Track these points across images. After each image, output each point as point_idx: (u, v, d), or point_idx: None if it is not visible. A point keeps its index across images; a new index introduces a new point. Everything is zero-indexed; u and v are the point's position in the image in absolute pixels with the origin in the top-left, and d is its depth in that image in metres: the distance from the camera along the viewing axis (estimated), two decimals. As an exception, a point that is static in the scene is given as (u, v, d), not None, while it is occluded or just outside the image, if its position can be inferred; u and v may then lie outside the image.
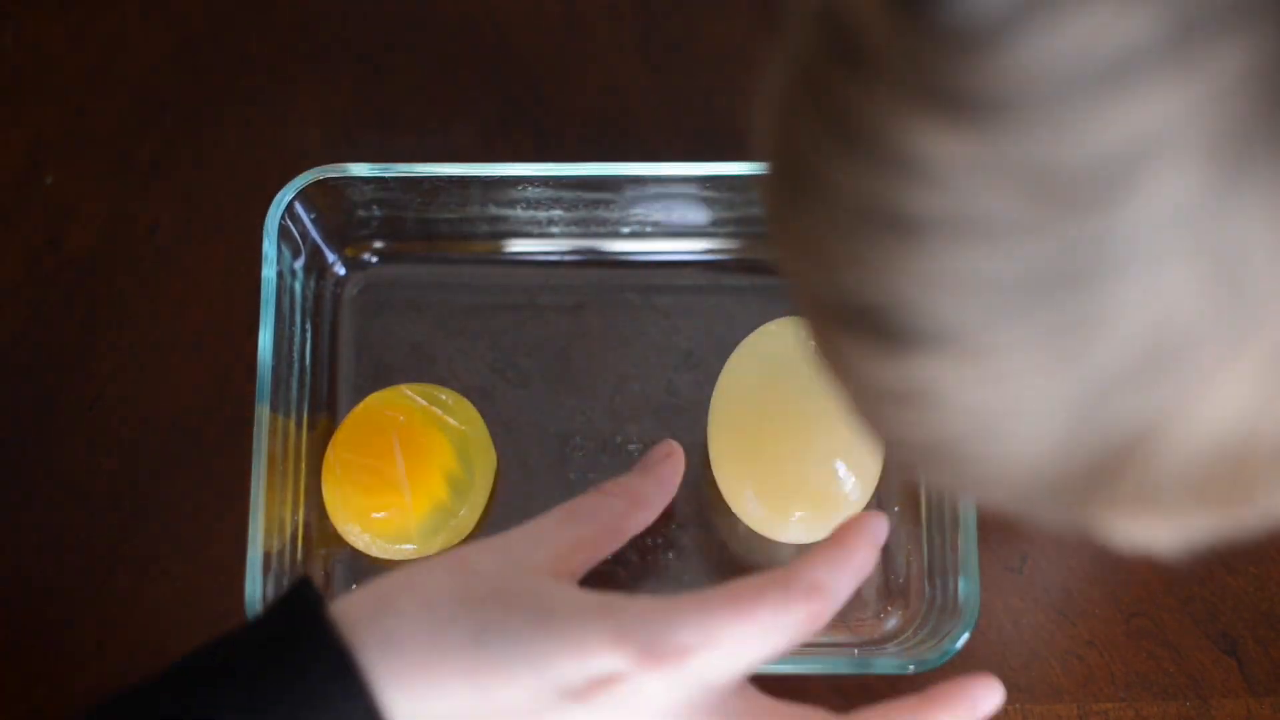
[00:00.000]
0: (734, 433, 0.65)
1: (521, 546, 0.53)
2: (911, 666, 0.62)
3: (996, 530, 0.68)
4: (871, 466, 0.65)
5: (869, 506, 0.66)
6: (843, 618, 0.66)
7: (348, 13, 0.69)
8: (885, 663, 0.62)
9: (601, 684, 0.48)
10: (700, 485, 0.68)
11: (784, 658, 0.59)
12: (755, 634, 0.49)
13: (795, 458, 0.64)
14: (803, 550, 0.65)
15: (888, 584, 0.67)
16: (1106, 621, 0.67)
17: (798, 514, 0.65)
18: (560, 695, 0.48)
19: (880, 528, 0.53)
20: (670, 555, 0.67)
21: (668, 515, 0.67)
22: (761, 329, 0.67)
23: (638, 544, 0.67)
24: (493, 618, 0.49)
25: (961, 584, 0.63)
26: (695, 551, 0.67)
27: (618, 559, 0.67)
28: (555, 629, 0.49)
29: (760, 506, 0.65)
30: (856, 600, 0.67)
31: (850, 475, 0.64)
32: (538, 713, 0.48)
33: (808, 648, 0.65)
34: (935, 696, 0.52)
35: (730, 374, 0.66)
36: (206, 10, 0.75)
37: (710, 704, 0.50)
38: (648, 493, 0.59)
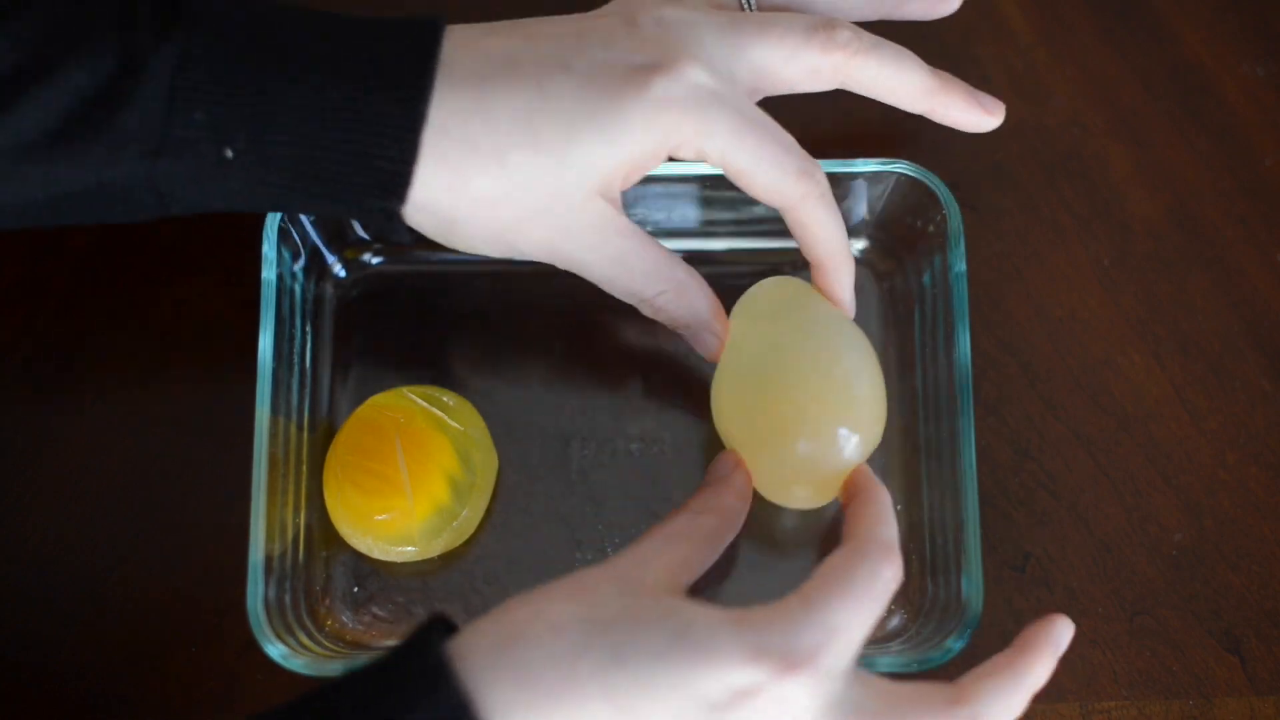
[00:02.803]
0: (736, 395, 0.64)
1: (631, 570, 0.54)
2: (915, 665, 0.62)
3: (999, 530, 0.68)
4: (872, 425, 0.64)
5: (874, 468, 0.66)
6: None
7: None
8: (888, 661, 0.62)
9: (744, 696, 0.50)
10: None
11: None
12: (861, 610, 0.52)
13: (796, 417, 0.63)
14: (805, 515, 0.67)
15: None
16: (1109, 620, 0.67)
17: (801, 494, 0.64)
18: (705, 710, 0.50)
19: (1064, 633, 0.58)
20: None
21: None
22: (753, 288, 0.66)
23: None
24: (626, 639, 0.50)
25: (964, 582, 0.63)
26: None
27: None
28: (691, 645, 0.50)
29: (764, 469, 0.65)
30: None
31: (852, 434, 0.63)
32: None
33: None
34: (1023, 645, 0.56)
35: (729, 353, 0.66)
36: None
37: (840, 694, 0.52)
38: (734, 506, 0.61)
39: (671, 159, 0.60)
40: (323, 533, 0.67)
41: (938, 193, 0.67)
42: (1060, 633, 0.57)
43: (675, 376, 0.69)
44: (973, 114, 0.64)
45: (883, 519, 0.57)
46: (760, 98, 0.62)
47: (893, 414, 0.69)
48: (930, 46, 0.74)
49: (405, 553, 0.65)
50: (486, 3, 0.66)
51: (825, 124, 0.74)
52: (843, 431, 0.63)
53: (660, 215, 0.70)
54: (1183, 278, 0.72)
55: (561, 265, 0.60)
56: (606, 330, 0.70)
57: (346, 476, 0.65)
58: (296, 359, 0.67)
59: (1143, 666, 0.67)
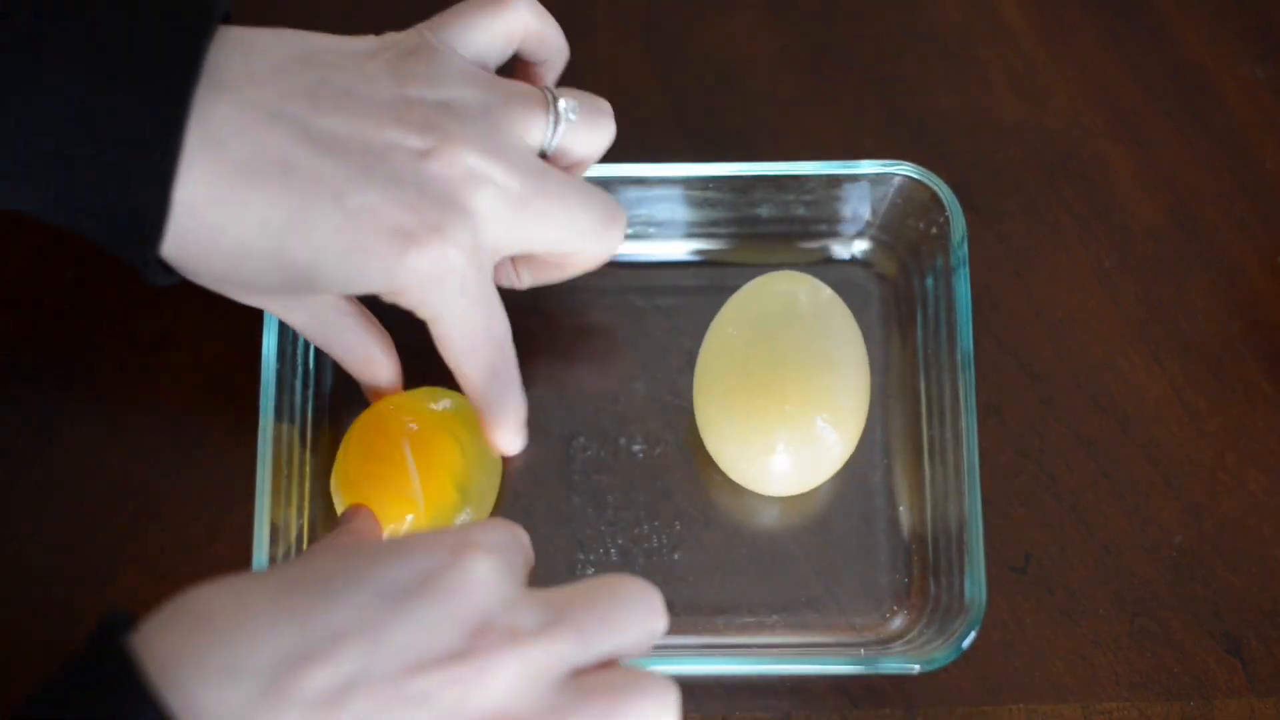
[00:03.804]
0: (717, 388, 0.66)
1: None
2: (917, 666, 0.62)
3: (1000, 531, 0.68)
4: (853, 418, 0.65)
5: (852, 459, 0.67)
6: (849, 618, 0.67)
7: (348, 13, 0.69)
8: (891, 662, 0.62)
9: (431, 576, 0.49)
10: (704, 485, 0.68)
11: (793, 658, 0.61)
12: (501, 528, 0.52)
13: (777, 409, 0.64)
14: (786, 503, 0.68)
15: (893, 584, 0.67)
16: (1110, 622, 0.68)
17: (779, 465, 0.65)
18: (395, 597, 0.49)
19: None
20: (677, 556, 0.67)
21: (673, 514, 0.68)
22: (745, 287, 0.67)
23: (644, 545, 0.67)
24: (299, 569, 0.50)
25: (967, 583, 0.63)
26: (701, 550, 0.67)
27: (624, 560, 0.67)
28: (368, 554, 0.50)
29: (743, 458, 0.65)
30: (862, 600, 0.67)
31: (831, 430, 0.64)
32: (375, 621, 0.48)
33: (814, 647, 0.66)
34: None
35: (715, 330, 0.67)
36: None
37: (516, 578, 0.51)
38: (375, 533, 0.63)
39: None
40: (325, 532, 0.67)
41: (940, 194, 0.67)
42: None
43: (677, 377, 0.69)
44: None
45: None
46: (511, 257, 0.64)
47: (894, 415, 0.69)
48: (931, 48, 0.75)
49: None
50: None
51: (828, 126, 0.74)
52: (821, 420, 0.64)
53: (662, 215, 0.70)
54: (1183, 279, 0.72)
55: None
56: (608, 331, 0.70)
57: (358, 486, 0.64)
58: (299, 360, 0.67)
59: (1143, 668, 0.67)
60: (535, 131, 0.61)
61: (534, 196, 0.59)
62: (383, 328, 0.65)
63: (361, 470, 0.64)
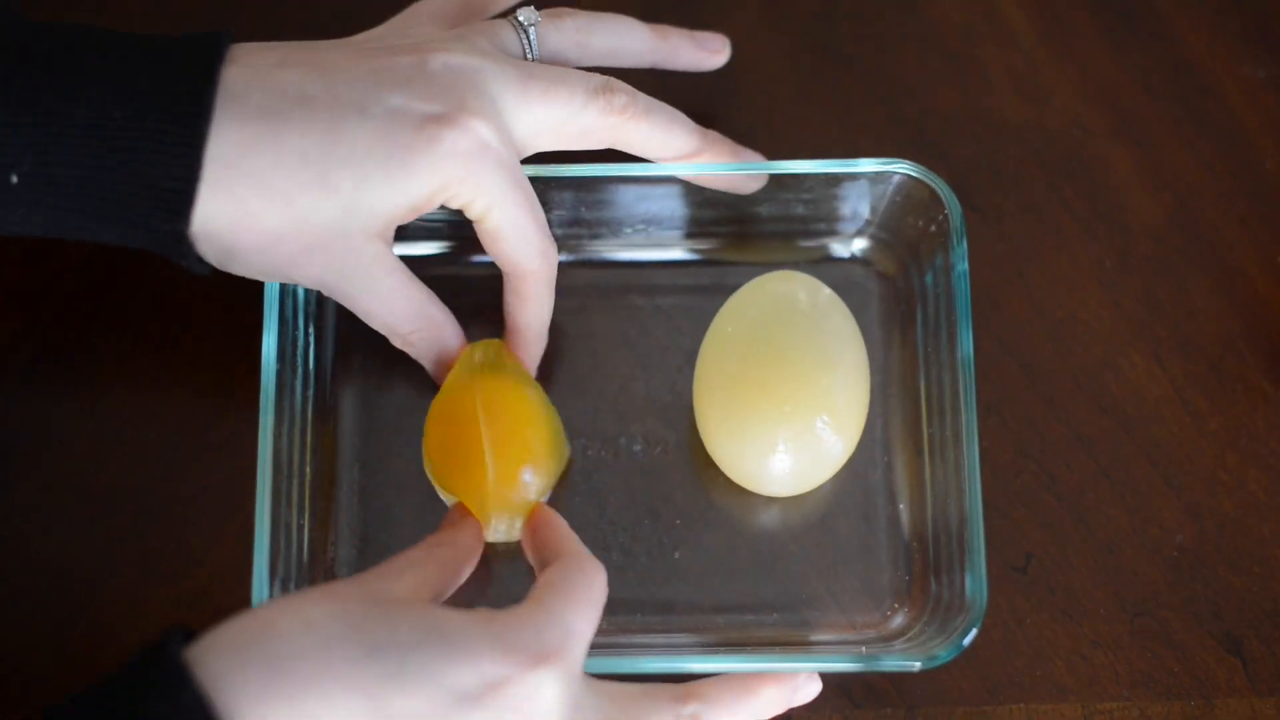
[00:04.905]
0: (717, 387, 0.66)
1: (377, 582, 0.55)
2: (918, 664, 0.62)
3: (1001, 530, 0.68)
4: (852, 418, 0.65)
5: (852, 458, 0.67)
6: (849, 616, 0.67)
7: (350, 13, 0.69)
8: (892, 660, 0.62)
9: (495, 686, 0.51)
10: (704, 484, 0.68)
11: (792, 656, 0.61)
12: (588, 613, 0.55)
13: (776, 409, 0.64)
14: (787, 502, 0.68)
15: (894, 582, 0.67)
16: (1110, 621, 0.68)
17: (778, 465, 0.65)
18: (457, 701, 0.50)
19: (807, 686, 0.63)
20: (677, 555, 0.67)
21: (673, 513, 0.68)
22: (744, 286, 0.67)
23: (646, 544, 0.67)
24: (379, 633, 0.51)
25: (968, 580, 0.63)
26: (701, 549, 0.67)
27: (625, 559, 0.67)
28: (442, 639, 0.51)
29: (742, 458, 0.65)
30: (863, 599, 0.67)
31: (830, 430, 0.64)
32: None
33: (815, 645, 0.66)
34: (764, 675, 0.62)
35: (714, 330, 0.67)
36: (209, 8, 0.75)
37: (580, 695, 0.55)
38: (467, 543, 0.62)
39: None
40: (325, 532, 0.67)
41: (939, 192, 0.67)
42: (804, 684, 0.62)
43: (677, 377, 0.69)
44: (736, 181, 0.68)
45: (571, 536, 0.61)
46: (530, 154, 0.64)
47: (894, 413, 0.69)
48: (932, 48, 0.75)
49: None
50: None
51: (828, 126, 0.74)
52: (821, 421, 0.64)
53: (662, 214, 0.70)
54: (1183, 279, 0.72)
55: (329, 295, 0.62)
56: (608, 330, 0.70)
57: (442, 478, 0.65)
58: (300, 360, 0.67)
59: (1144, 667, 0.67)
60: (510, 46, 0.64)
61: (530, 78, 0.62)
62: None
63: (444, 465, 0.64)
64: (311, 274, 0.61)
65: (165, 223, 0.58)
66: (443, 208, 0.62)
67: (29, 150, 0.56)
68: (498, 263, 0.64)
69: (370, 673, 0.49)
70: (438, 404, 0.65)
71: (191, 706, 0.48)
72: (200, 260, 0.60)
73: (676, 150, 0.66)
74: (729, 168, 0.67)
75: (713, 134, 0.67)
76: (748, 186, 0.68)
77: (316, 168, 0.58)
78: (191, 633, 0.51)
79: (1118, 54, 0.75)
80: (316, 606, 0.51)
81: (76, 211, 0.58)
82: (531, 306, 0.65)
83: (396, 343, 0.65)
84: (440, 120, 0.59)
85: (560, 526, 0.61)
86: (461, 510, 0.63)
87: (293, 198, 0.58)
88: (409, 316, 0.63)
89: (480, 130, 0.60)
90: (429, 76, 0.60)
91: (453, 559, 0.60)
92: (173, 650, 0.49)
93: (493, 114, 0.61)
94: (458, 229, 0.70)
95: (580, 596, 0.55)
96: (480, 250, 0.64)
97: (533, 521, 0.62)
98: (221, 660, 0.49)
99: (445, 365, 0.65)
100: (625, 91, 0.64)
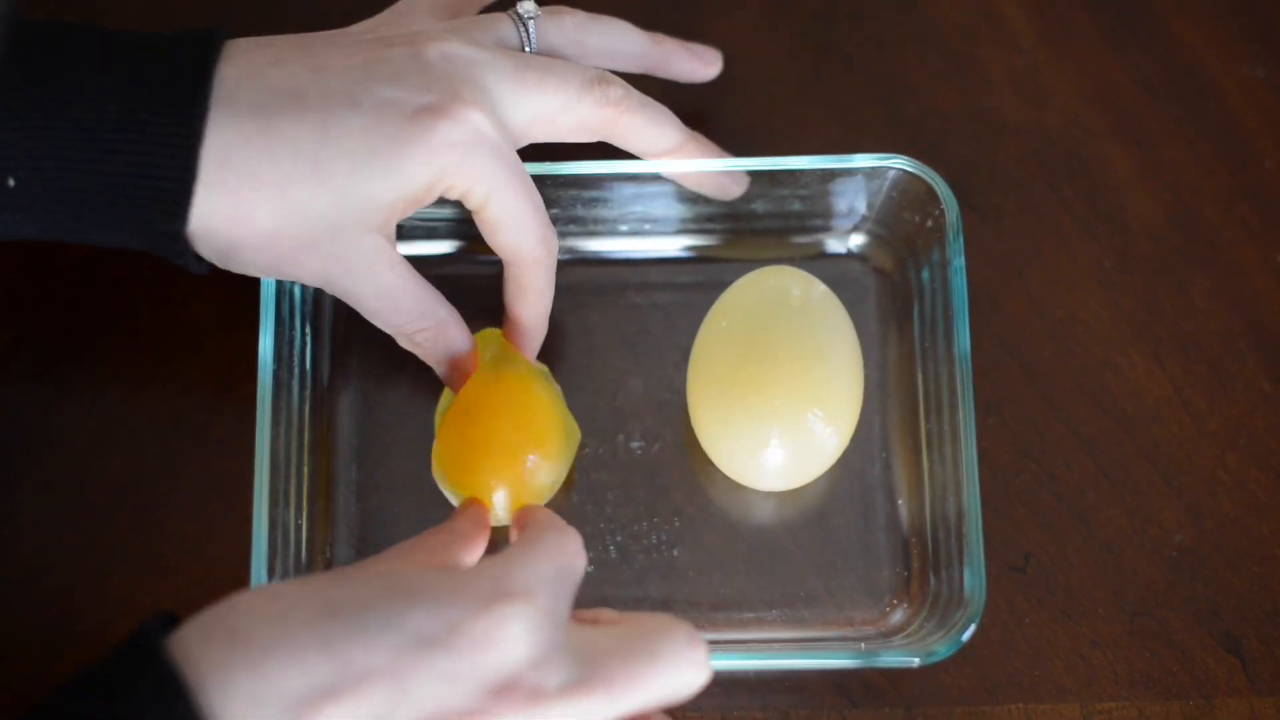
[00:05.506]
0: (710, 383, 0.66)
1: (358, 565, 0.56)
2: (917, 660, 0.62)
3: (1000, 530, 0.68)
4: (845, 413, 0.65)
5: (850, 454, 0.67)
6: (848, 613, 0.66)
7: (349, 13, 0.69)
8: (891, 656, 0.62)
9: (456, 626, 0.50)
10: (702, 481, 0.68)
11: (791, 652, 0.61)
12: (558, 562, 0.54)
13: (767, 403, 0.64)
14: (785, 498, 0.68)
15: (892, 578, 0.67)
16: (1110, 621, 0.67)
17: (771, 460, 0.65)
18: (419, 646, 0.49)
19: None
20: (675, 552, 0.67)
21: (671, 511, 0.68)
22: (738, 282, 0.67)
23: (643, 542, 0.67)
24: (340, 594, 0.51)
25: (967, 576, 0.63)
26: (700, 547, 0.67)
27: (623, 557, 0.67)
28: (404, 592, 0.51)
29: (736, 453, 0.65)
30: (862, 595, 0.67)
31: (823, 424, 0.64)
32: (402, 668, 0.49)
33: (813, 642, 0.66)
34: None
35: (707, 325, 0.67)
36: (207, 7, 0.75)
37: (559, 639, 0.52)
38: (464, 528, 0.61)
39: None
40: (324, 534, 0.67)
41: (936, 188, 0.67)
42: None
43: (674, 374, 0.69)
44: (722, 183, 0.68)
45: (549, 512, 0.60)
46: (525, 145, 0.64)
47: (892, 410, 0.69)
48: (931, 48, 0.75)
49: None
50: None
51: (827, 126, 0.74)
52: (813, 415, 0.64)
53: (657, 211, 0.70)
54: (1183, 279, 0.72)
55: (332, 293, 0.62)
56: (607, 328, 0.70)
57: (456, 482, 0.65)
58: (297, 360, 0.67)
59: (1143, 667, 0.67)
60: (509, 39, 0.65)
61: (525, 68, 0.62)
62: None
63: (465, 461, 0.64)
64: (312, 269, 0.61)
65: (163, 223, 0.58)
66: (443, 203, 0.62)
67: (25, 152, 0.56)
68: (499, 252, 0.64)
69: (329, 631, 0.49)
70: (456, 403, 0.65)
71: (165, 683, 0.48)
72: (198, 259, 0.60)
73: (666, 146, 0.66)
74: (722, 164, 0.67)
75: (699, 135, 0.68)
76: (732, 190, 0.68)
77: (309, 160, 0.58)
78: (175, 618, 0.51)
79: (1118, 54, 0.75)
80: (287, 585, 0.52)
81: (74, 214, 0.58)
82: (532, 296, 0.65)
83: (403, 343, 0.65)
84: (434, 111, 0.59)
85: (542, 509, 0.62)
86: (470, 500, 0.63)
87: (287, 191, 0.58)
88: (414, 315, 0.63)
89: (475, 119, 0.60)
90: (424, 67, 0.60)
91: (445, 544, 0.60)
92: (151, 633, 0.49)
93: (487, 104, 0.61)
94: (460, 228, 0.70)
95: (548, 549, 0.54)
96: (484, 250, 0.64)
97: (520, 515, 0.62)
98: (192, 638, 0.49)
99: (453, 366, 0.65)
100: (620, 85, 0.64)
